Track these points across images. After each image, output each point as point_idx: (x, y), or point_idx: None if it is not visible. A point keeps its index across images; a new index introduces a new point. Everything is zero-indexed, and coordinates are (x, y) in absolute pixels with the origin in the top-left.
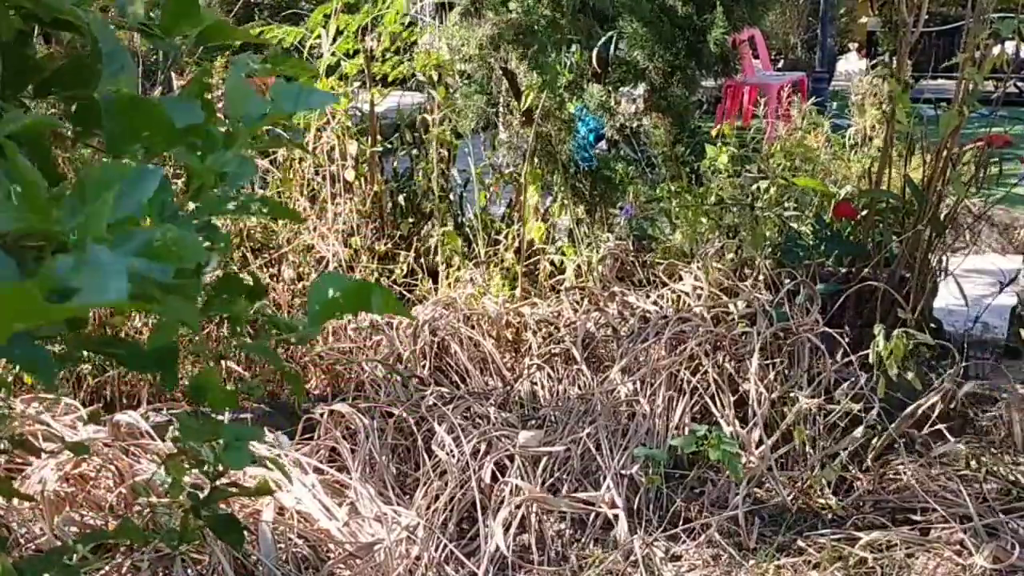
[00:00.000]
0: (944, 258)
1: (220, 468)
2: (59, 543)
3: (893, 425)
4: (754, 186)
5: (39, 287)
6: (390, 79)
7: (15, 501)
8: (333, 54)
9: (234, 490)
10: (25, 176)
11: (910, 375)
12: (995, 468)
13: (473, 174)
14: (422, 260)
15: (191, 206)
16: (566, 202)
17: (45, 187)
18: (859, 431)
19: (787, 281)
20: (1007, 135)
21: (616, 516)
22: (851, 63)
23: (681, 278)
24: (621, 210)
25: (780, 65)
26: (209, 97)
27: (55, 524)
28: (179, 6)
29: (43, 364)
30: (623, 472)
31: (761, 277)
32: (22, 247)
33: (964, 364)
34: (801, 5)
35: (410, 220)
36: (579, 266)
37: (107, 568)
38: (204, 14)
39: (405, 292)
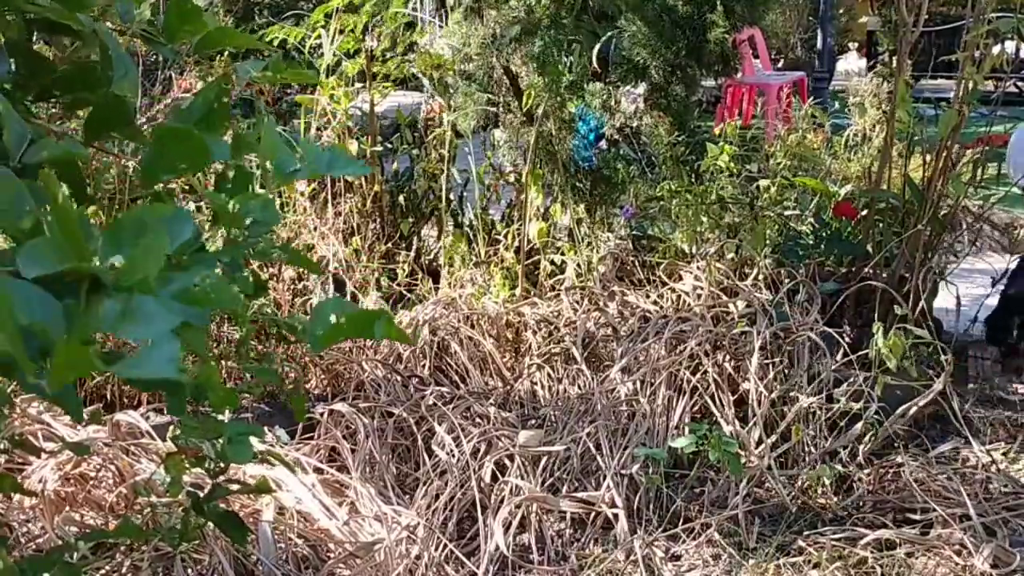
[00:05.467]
0: (943, 258)
1: (221, 465)
2: (59, 542)
3: (887, 422)
4: (754, 185)
5: (85, 332)
6: (391, 79)
7: (16, 500)
8: (334, 54)
9: (235, 487)
10: (63, 214)
11: (913, 372)
12: (994, 467)
13: (473, 174)
14: (422, 260)
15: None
16: (566, 202)
17: (80, 220)
18: (858, 427)
19: (787, 280)
20: (1007, 135)
21: (616, 516)
22: (851, 63)
23: (681, 278)
24: (621, 210)
25: (780, 65)
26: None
27: (55, 523)
28: (182, 13)
29: (71, 399)
30: (623, 472)
31: (761, 277)
32: (58, 279)
33: (964, 364)
34: (801, 5)
35: (410, 220)
36: (579, 266)
37: (107, 567)
38: (206, 20)
39: (405, 292)
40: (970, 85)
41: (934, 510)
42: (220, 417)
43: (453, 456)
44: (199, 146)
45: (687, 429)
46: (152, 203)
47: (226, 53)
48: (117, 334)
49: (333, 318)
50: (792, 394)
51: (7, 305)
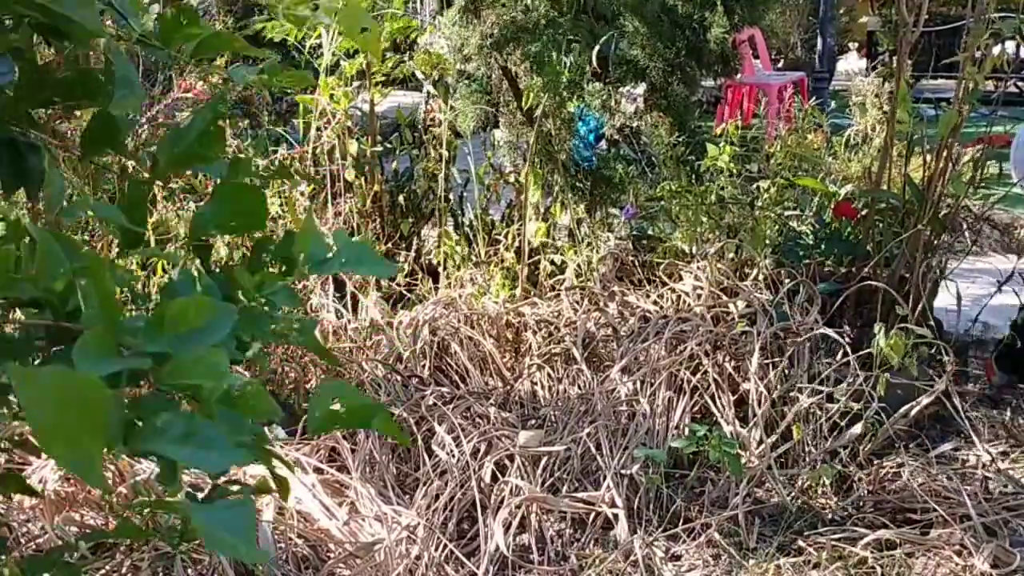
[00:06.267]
0: (943, 258)
1: None
2: (60, 542)
3: (887, 422)
4: (754, 185)
5: (140, 439)
6: (390, 79)
7: (16, 500)
8: (333, 53)
9: (235, 487)
10: (101, 286)
11: (914, 372)
12: (994, 467)
13: (473, 174)
14: (422, 260)
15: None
16: (566, 202)
17: (119, 292)
18: (857, 427)
19: (787, 281)
20: (1007, 135)
21: (616, 516)
22: (851, 63)
23: (681, 278)
24: (621, 210)
25: (780, 65)
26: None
27: (55, 523)
28: (178, 18)
29: (94, 476)
30: (623, 472)
31: (761, 277)
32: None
33: (964, 364)
34: (801, 5)
35: (410, 220)
36: (579, 266)
37: (107, 567)
38: (202, 26)
39: (405, 292)
40: (970, 85)
41: (934, 510)
42: None
43: (453, 456)
44: (258, 208)
45: (687, 429)
46: (196, 300)
47: (226, 55)
48: (180, 458)
49: (332, 404)
50: (792, 394)
51: (102, 404)
